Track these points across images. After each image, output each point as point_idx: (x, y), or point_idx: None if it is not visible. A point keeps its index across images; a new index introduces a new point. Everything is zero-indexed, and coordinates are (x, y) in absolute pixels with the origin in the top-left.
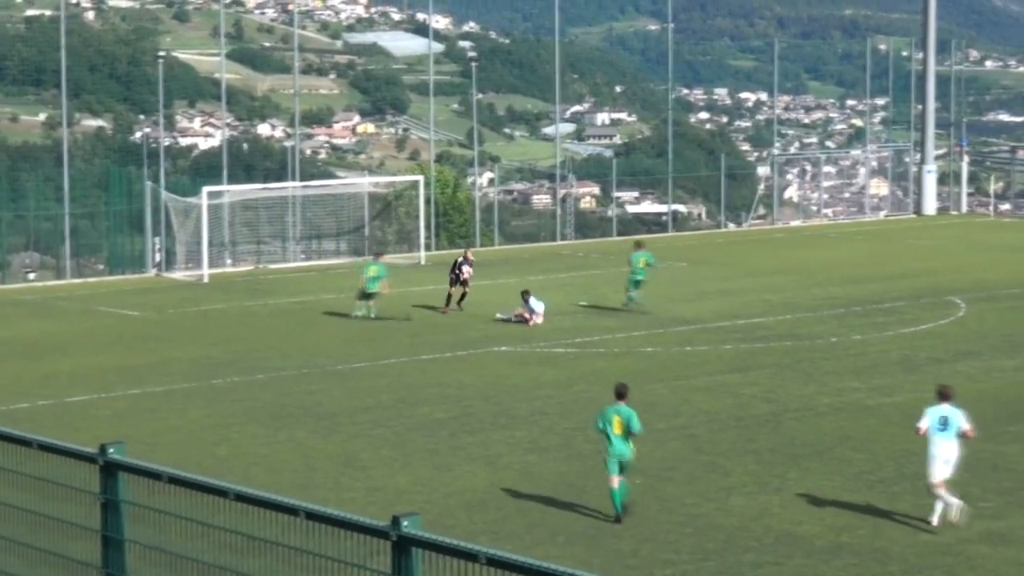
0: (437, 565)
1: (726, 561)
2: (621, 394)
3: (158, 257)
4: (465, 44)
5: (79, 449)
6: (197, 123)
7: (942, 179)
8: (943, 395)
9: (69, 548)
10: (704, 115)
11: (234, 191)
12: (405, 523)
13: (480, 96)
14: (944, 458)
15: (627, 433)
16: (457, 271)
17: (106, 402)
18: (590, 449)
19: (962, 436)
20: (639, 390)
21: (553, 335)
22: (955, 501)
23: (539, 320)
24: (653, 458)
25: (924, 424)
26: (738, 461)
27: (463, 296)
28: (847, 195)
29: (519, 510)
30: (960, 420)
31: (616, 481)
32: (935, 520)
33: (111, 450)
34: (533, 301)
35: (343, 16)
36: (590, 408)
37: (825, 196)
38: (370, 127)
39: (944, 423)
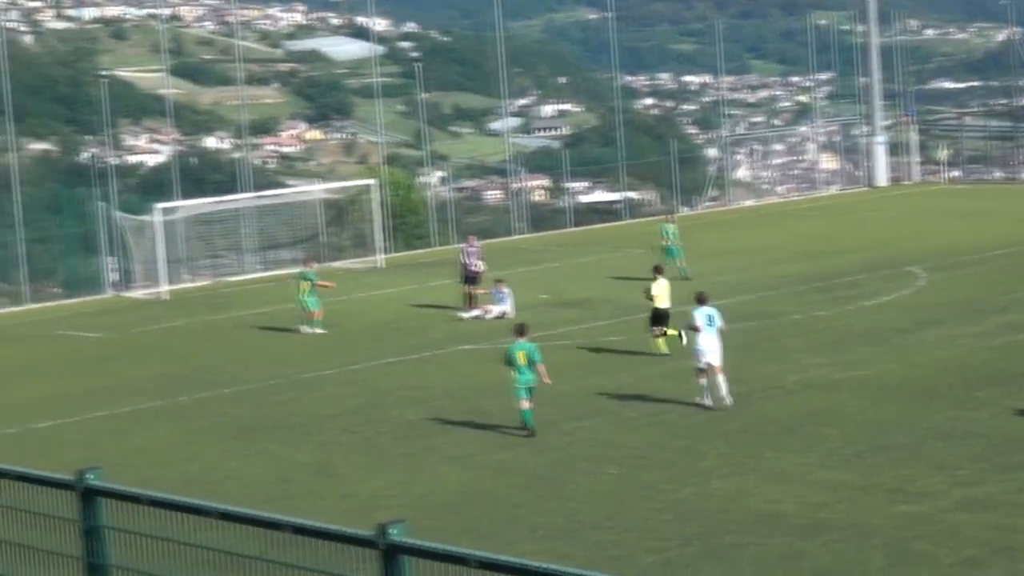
0: (425, 571)
1: (709, 544)
2: (521, 332)
3: (114, 277)
4: (406, 45)
5: (57, 477)
6: (143, 140)
7: (892, 150)
8: (701, 300)
9: None
10: (649, 101)
11: (187, 206)
12: (392, 531)
13: (425, 95)
14: (710, 348)
15: (530, 363)
16: (468, 267)
17: (73, 426)
18: (562, 442)
19: (720, 331)
20: (607, 380)
21: None
22: (710, 390)
23: (499, 312)
24: (627, 446)
25: (700, 323)
26: (712, 444)
27: (472, 297)
28: (797, 172)
29: (496, 507)
30: (719, 318)
31: (525, 404)
32: (707, 401)
33: (89, 476)
34: (505, 291)
35: (282, 24)
36: (559, 402)
37: (776, 174)
38: (317, 134)
39: (711, 320)
